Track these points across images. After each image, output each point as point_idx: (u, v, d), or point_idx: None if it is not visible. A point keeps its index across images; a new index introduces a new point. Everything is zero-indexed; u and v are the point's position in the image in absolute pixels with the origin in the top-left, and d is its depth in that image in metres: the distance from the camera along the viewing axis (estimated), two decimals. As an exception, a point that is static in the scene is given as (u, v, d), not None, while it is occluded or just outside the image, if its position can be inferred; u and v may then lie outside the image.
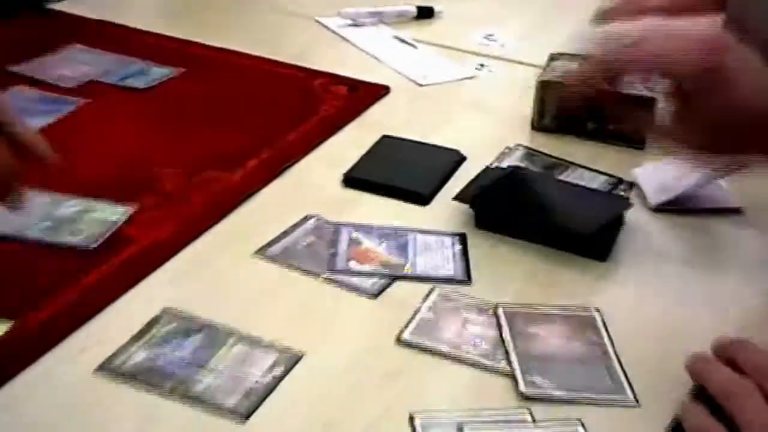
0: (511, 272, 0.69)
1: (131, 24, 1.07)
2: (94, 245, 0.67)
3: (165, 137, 0.84)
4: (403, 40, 1.09)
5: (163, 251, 0.68)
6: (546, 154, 0.84)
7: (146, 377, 0.56)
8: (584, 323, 0.63)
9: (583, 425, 0.55)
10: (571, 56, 0.84)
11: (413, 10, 1.15)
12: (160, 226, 0.70)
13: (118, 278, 0.64)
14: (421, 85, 0.99)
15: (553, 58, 0.91)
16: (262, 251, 0.69)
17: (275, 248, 0.69)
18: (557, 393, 0.57)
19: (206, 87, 0.94)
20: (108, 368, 0.56)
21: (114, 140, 0.83)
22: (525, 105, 0.90)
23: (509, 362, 0.59)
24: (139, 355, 0.57)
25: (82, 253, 0.66)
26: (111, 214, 0.71)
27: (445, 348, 0.60)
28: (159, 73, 0.96)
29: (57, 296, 0.61)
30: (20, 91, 0.89)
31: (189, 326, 0.60)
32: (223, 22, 1.13)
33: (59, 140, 0.79)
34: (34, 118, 0.83)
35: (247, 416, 0.54)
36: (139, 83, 0.93)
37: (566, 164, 0.83)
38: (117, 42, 1.02)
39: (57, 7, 1.11)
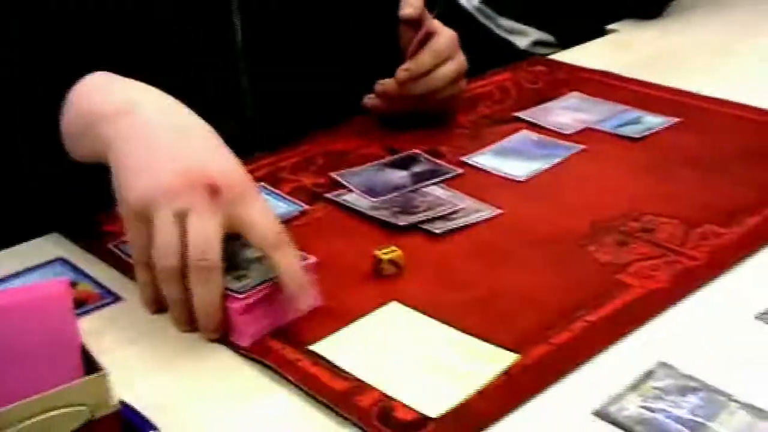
0: None
1: (625, 73, 1.07)
2: (243, 296, 0.61)
3: (659, 187, 0.82)
4: None
5: (660, 302, 0.65)
6: None
7: (642, 429, 0.54)
8: None
9: None
10: None
11: None
12: (655, 276, 0.68)
13: (615, 324, 0.63)
14: None
15: None
16: (764, 315, 0.63)
17: (780, 314, 0.64)
18: None
19: (701, 138, 0.91)
20: (605, 413, 0.56)
21: (608, 187, 0.83)
22: None
23: None
24: (635, 406, 0.56)
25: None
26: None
27: None
28: (653, 122, 0.94)
29: (557, 335, 0.62)
30: (525, 134, 0.94)
31: (685, 384, 0.57)
32: (717, 71, 1.09)
33: (556, 184, 0.84)
34: (535, 161, 0.87)
35: (753, 493, 0.50)
36: (632, 132, 0.92)
37: None
38: (612, 91, 1.03)
39: (557, 57, 1.15)
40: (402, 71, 0.90)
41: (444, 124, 0.96)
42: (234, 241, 0.63)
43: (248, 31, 0.88)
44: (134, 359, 0.63)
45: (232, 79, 0.89)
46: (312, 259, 0.65)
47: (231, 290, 0.61)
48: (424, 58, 0.90)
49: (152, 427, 0.52)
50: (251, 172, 0.85)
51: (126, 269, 0.70)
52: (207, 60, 0.86)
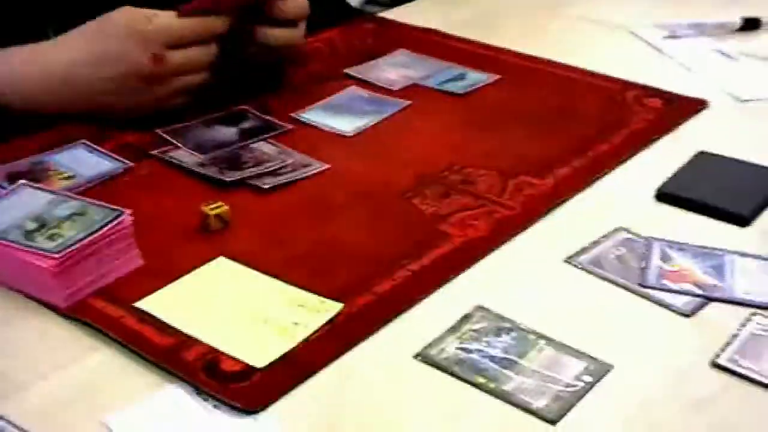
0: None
1: (450, 31, 1.10)
2: (59, 255, 0.59)
3: (480, 141, 0.85)
4: (724, 53, 1.03)
5: (477, 250, 0.68)
6: None
7: (459, 369, 0.57)
8: None
9: None
10: None
11: (737, 21, 1.08)
12: (474, 226, 0.71)
13: (436, 272, 0.66)
14: (742, 101, 0.92)
15: None
16: (572, 259, 0.68)
17: (585, 257, 0.68)
18: None
19: (519, 94, 0.95)
20: (425, 356, 0.58)
21: (432, 141, 0.85)
22: None
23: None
24: (452, 347, 0.59)
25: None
26: (101, 218, 0.62)
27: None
28: (475, 78, 0.97)
29: (379, 284, 0.64)
30: (354, 90, 0.95)
31: (500, 326, 0.60)
32: (536, 31, 1.13)
33: (382, 139, 0.86)
34: (362, 117, 0.88)
35: (556, 420, 0.53)
36: (456, 88, 0.95)
37: None
38: (437, 49, 1.05)
39: (386, 15, 1.17)
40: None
41: (277, 84, 0.95)
42: (43, 200, 0.61)
43: None
44: (-56, 325, 0.59)
45: None
46: (128, 215, 0.63)
47: (44, 250, 0.59)
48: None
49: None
50: (74, 127, 0.82)
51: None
52: None
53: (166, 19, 0.81)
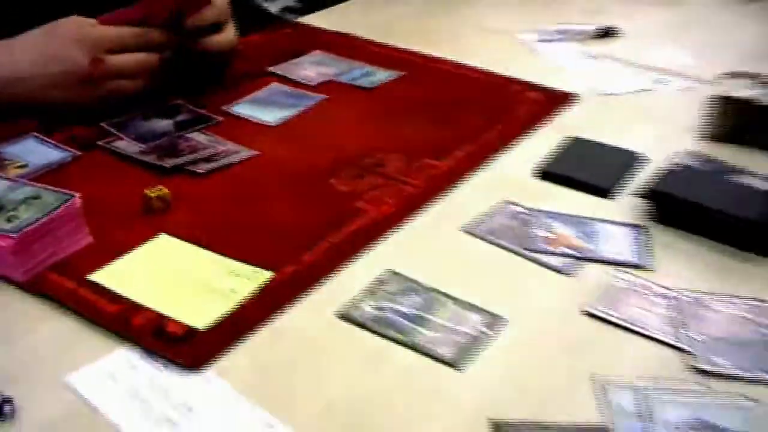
0: (690, 264, 0.65)
1: (360, 35, 1.10)
2: (16, 235, 0.57)
3: (388, 128, 0.85)
4: (588, 55, 1.06)
5: (388, 224, 0.69)
6: (716, 160, 0.80)
7: (375, 325, 0.58)
8: (761, 313, 0.59)
9: (756, 401, 0.52)
10: (749, 75, 0.79)
11: (597, 29, 1.11)
12: (385, 202, 0.72)
13: (353, 243, 0.66)
14: (605, 94, 0.96)
15: (732, 75, 0.86)
16: (469, 228, 0.69)
17: (480, 227, 0.69)
18: (732, 371, 0.54)
19: (421, 88, 0.96)
20: (346, 315, 0.59)
21: (347, 130, 0.85)
22: (698, 116, 0.85)
23: (689, 342, 0.56)
24: (369, 307, 0.59)
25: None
26: (54, 201, 0.60)
27: (628, 323, 0.58)
28: (383, 75, 0.98)
29: (304, 255, 0.64)
30: (277, 86, 0.94)
31: (410, 287, 0.61)
32: (436, 35, 1.14)
33: (303, 128, 0.85)
34: (285, 109, 0.88)
35: (460, 365, 0.54)
36: (366, 83, 0.95)
37: (737, 170, 0.78)
38: (349, 49, 1.05)
39: (303, 20, 1.16)
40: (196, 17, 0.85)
41: (219, 80, 0.93)
42: (1, 186, 0.58)
43: None
44: None
45: None
46: (78, 198, 0.61)
47: (3, 231, 0.57)
48: (211, 12, 0.86)
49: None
50: (27, 121, 0.79)
51: None
52: None
53: (109, 27, 0.79)
